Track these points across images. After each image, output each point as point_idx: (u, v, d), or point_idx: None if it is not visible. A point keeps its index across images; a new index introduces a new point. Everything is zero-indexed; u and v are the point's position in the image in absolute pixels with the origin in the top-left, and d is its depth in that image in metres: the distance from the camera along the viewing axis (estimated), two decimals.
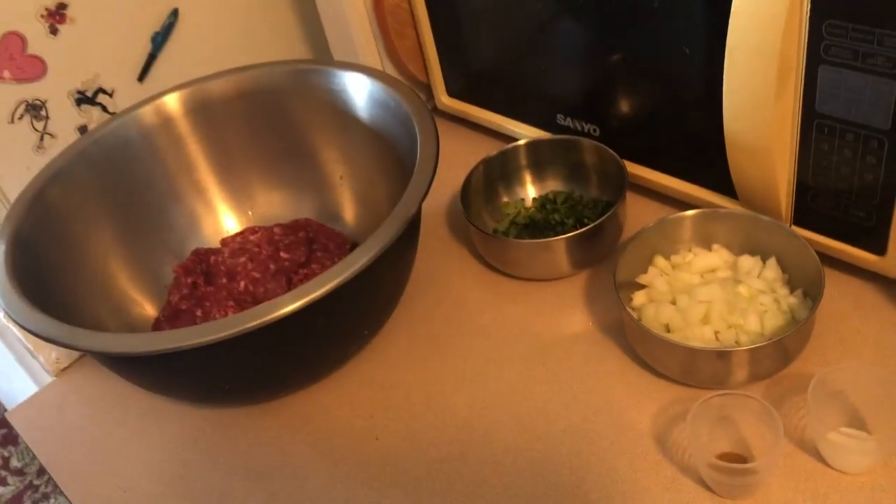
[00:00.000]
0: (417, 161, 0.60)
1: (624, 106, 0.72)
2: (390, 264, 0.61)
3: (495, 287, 0.71)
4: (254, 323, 0.51)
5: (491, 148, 0.77)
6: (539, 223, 0.73)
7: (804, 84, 0.56)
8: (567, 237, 0.66)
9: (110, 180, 0.69)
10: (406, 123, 0.65)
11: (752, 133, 0.59)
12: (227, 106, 0.72)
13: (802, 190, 0.61)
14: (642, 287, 0.65)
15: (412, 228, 0.63)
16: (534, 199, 0.77)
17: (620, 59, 0.70)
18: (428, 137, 0.62)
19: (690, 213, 0.65)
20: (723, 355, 0.56)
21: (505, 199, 0.77)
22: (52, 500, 1.14)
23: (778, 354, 0.56)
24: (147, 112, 0.70)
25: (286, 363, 0.59)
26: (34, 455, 1.15)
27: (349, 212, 0.76)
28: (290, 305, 0.51)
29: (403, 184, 0.60)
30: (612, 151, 0.71)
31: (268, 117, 0.73)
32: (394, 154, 0.68)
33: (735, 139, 0.61)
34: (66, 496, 0.78)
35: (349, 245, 0.74)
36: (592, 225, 0.66)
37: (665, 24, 0.63)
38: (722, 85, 0.59)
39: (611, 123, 0.74)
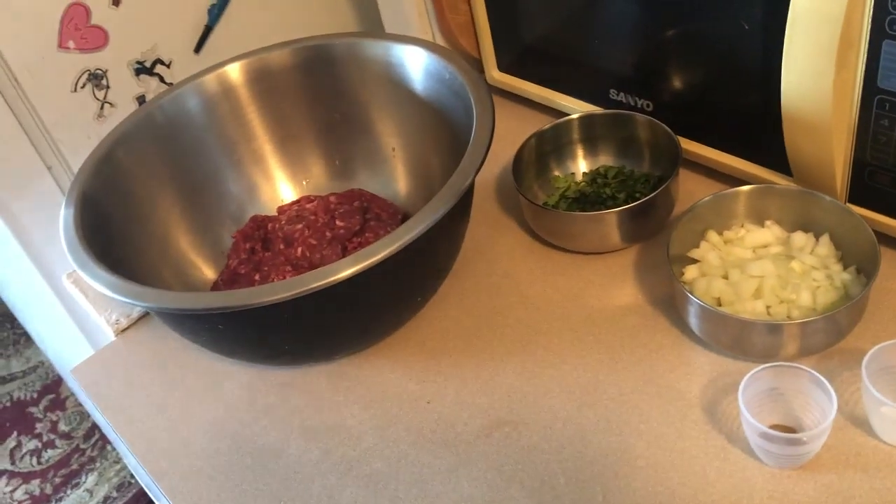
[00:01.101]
0: (473, 132, 0.61)
1: (678, 81, 0.72)
2: (444, 234, 0.62)
3: (545, 259, 0.72)
4: (315, 285, 0.52)
5: (541, 123, 0.77)
6: (590, 197, 0.74)
7: (866, 59, 0.55)
8: (619, 210, 0.67)
9: (173, 145, 0.71)
10: (461, 96, 0.66)
11: (810, 107, 0.59)
12: (285, 76, 0.73)
13: (859, 167, 0.61)
14: (694, 262, 0.65)
15: (466, 199, 0.64)
16: (584, 173, 0.77)
17: (675, 32, 0.70)
18: (484, 109, 0.63)
19: (745, 188, 0.65)
20: (774, 328, 0.56)
21: (556, 173, 0.78)
22: (98, 463, 1.19)
23: (830, 329, 0.56)
24: (209, 80, 0.72)
25: (342, 326, 0.61)
26: (81, 419, 1.19)
27: (402, 183, 0.78)
28: (348, 269, 0.53)
29: (456, 157, 0.61)
30: (665, 126, 0.71)
31: (324, 88, 0.74)
32: (447, 127, 0.69)
33: (792, 114, 0.61)
34: (120, 452, 0.80)
35: (401, 216, 0.75)
36: (644, 199, 0.66)
37: None
38: (780, 59, 0.58)
39: (664, 98, 0.74)
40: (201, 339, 0.62)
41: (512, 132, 0.83)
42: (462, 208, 0.65)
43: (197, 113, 0.72)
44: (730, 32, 0.64)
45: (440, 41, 0.88)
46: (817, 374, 0.52)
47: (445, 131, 0.69)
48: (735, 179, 0.72)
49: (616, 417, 0.59)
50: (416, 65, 0.71)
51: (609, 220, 0.68)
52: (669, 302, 0.65)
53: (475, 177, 0.59)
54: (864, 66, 0.56)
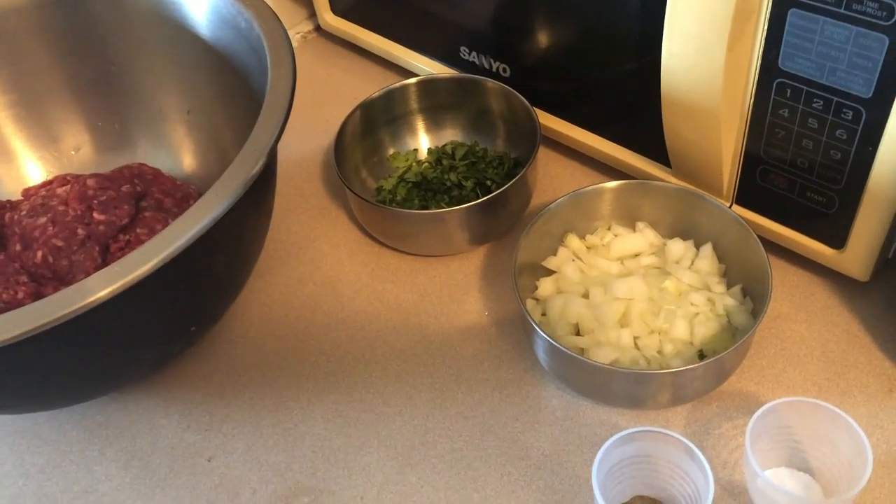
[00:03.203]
0: (265, 101, 0.45)
1: (542, 43, 0.58)
2: (233, 233, 0.46)
3: (374, 261, 0.58)
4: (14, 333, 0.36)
5: (383, 80, 0.62)
6: (432, 183, 0.60)
7: (767, 31, 0.43)
8: (463, 208, 0.53)
9: None
10: (259, 52, 0.50)
11: (695, 87, 0.47)
12: (19, 19, 0.54)
13: (751, 163, 0.50)
14: (550, 273, 0.53)
15: (262, 186, 0.48)
16: (429, 150, 0.63)
17: None
18: (281, 69, 0.47)
19: (612, 184, 0.52)
20: (641, 378, 0.45)
21: (392, 151, 0.63)
22: None
23: (710, 375, 0.45)
24: None
25: (83, 367, 0.45)
26: None
27: (190, 157, 0.61)
28: (64, 308, 0.37)
29: (255, 115, 0.45)
30: (522, 98, 0.57)
31: (77, 33, 0.56)
32: (245, 87, 0.53)
33: (672, 94, 0.48)
34: None
35: (193, 200, 0.59)
36: (495, 194, 0.53)
37: None
38: (661, 24, 0.45)
39: (524, 63, 0.60)
40: None
41: (349, 90, 0.68)
42: (256, 199, 0.49)
43: None
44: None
45: None
46: (691, 445, 0.40)
47: (241, 93, 0.53)
48: (603, 166, 0.59)
49: (444, 482, 0.46)
50: (201, 4, 0.54)
51: (451, 219, 0.54)
52: (519, 322, 0.53)
53: (270, 157, 0.44)
54: (763, 41, 0.43)
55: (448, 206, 0.58)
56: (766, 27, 0.43)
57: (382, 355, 0.52)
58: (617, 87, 0.55)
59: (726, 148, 0.49)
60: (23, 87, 0.58)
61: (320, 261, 0.58)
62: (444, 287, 0.56)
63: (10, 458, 0.50)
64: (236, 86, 0.54)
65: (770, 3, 0.42)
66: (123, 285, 0.37)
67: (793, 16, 0.41)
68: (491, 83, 0.59)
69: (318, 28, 0.75)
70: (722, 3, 0.42)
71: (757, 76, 0.45)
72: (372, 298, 0.56)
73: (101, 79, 0.58)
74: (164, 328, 0.46)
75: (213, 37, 0.54)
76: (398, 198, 0.60)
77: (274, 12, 0.51)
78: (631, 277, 0.50)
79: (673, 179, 0.54)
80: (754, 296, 0.49)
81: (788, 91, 0.44)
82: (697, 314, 0.48)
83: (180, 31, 0.55)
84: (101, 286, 0.37)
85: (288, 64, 0.47)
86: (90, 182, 0.55)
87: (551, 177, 0.61)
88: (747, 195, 0.52)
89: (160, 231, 0.53)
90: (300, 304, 0.56)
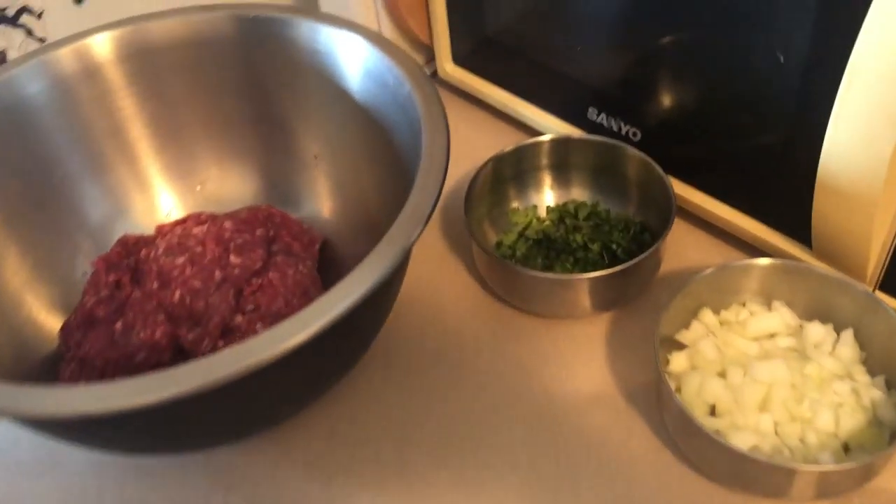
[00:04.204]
0: (419, 172, 0.45)
1: (677, 107, 0.58)
2: (376, 302, 0.46)
3: (496, 319, 0.58)
4: (150, 399, 0.36)
5: (502, 134, 0.62)
6: (556, 242, 0.59)
7: None
8: (594, 276, 0.52)
9: (7, 141, 0.52)
10: (406, 109, 0.50)
11: (855, 175, 0.46)
12: (175, 54, 0.56)
13: None
14: (681, 346, 0.52)
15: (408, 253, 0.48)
16: (549, 207, 0.63)
17: (681, 45, 0.55)
18: (436, 138, 0.47)
19: (762, 262, 0.51)
20: (787, 473, 0.43)
21: (515, 205, 0.63)
22: None
23: (857, 474, 0.44)
24: (65, 55, 0.53)
25: (215, 422, 0.45)
26: None
27: (324, 201, 0.61)
28: (225, 369, 0.37)
29: (395, 177, 0.47)
30: (660, 171, 0.57)
31: (227, 72, 0.57)
32: (386, 140, 0.53)
33: (830, 178, 0.47)
34: None
35: (318, 245, 0.59)
36: (629, 264, 0.52)
37: (754, 12, 0.48)
38: (822, 106, 0.45)
39: (657, 127, 0.59)
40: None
41: (464, 143, 0.68)
42: (402, 266, 0.50)
43: (45, 97, 0.53)
44: (757, 62, 0.50)
45: (384, 20, 0.71)
46: None
47: (383, 145, 0.54)
48: (729, 236, 0.58)
49: None
50: (353, 58, 0.54)
51: (579, 286, 0.53)
52: (648, 394, 0.52)
53: (423, 230, 0.44)
54: None
55: (573, 268, 0.58)
56: None
57: (507, 415, 0.52)
58: (756, 158, 0.54)
59: (878, 234, 0.48)
60: (170, 117, 0.59)
61: (441, 313, 0.58)
62: (569, 351, 0.55)
63: (136, 498, 0.50)
64: (378, 137, 0.54)
65: None
66: (296, 344, 0.38)
67: None
68: (632, 151, 0.58)
69: (434, 74, 0.75)
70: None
71: None
72: (494, 356, 0.55)
73: (242, 119, 0.59)
74: (307, 383, 0.47)
75: (359, 88, 0.55)
76: (518, 254, 0.60)
77: (425, 73, 0.51)
78: (773, 361, 0.49)
79: (810, 258, 0.53)
80: None
81: None
82: (842, 405, 0.47)
83: (328, 82, 0.55)
84: (227, 364, 0.37)
85: (443, 132, 0.47)
86: (227, 224, 0.55)
87: (676, 244, 0.60)
88: (894, 281, 0.50)
89: (291, 275, 0.55)
90: (423, 358, 0.56)
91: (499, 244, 0.61)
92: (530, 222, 0.62)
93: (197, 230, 0.56)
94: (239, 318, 0.52)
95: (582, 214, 0.61)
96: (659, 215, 0.58)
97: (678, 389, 0.50)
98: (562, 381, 0.54)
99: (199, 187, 0.62)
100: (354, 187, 0.59)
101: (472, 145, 0.64)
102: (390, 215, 0.43)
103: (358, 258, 0.41)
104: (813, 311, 0.52)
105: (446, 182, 0.65)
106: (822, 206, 0.49)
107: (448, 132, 0.48)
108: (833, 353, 0.50)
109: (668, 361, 0.51)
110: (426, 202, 0.44)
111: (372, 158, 0.56)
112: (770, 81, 0.50)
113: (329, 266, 0.59)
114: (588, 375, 0.54)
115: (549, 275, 0.55)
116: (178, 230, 0.56)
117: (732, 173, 0.57)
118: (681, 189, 0.59)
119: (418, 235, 0.43)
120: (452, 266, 0.61)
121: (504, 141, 0.61)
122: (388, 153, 0.53)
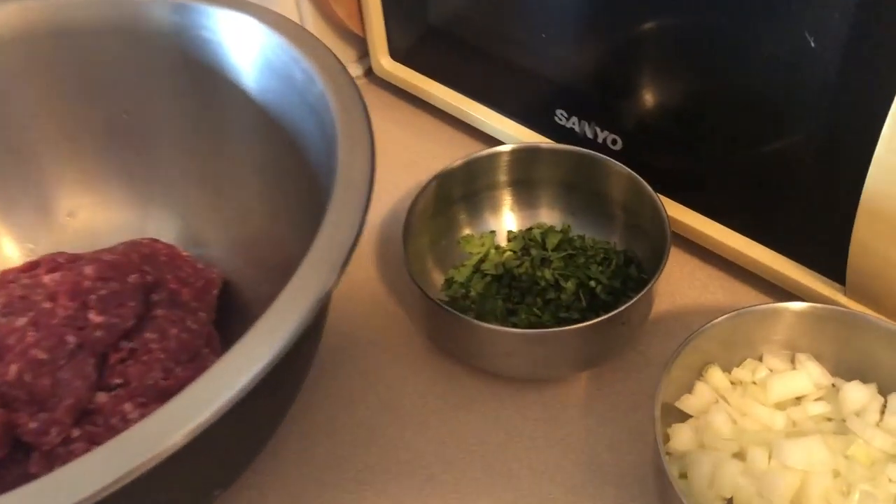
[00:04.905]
0: (332, 197, 0.33)
1: (667, 108, 0.46)
2: (286, 368, 0.34)
3: (445, 380, 0.45)
4: None
5: (450, 140, 0.50)
6: (520, 279, 0.47)
7: None
8: (571, 329, 0.40)
9: None
10: (318, 112, 0.38)
11: None
12: (12, 52, 0.42)
13: None
14: (684, 417, 0.40)
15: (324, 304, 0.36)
16: (510, 233, 0.51)
17: (674, 27, 0.43)
18: (356, 153, 0.35)
19: (794, 307, 0.39)
20: None
21: (467, 231, 0.51)
22: None
23: None
24: None
25: None
26: None
27: (222, 231, 0.48)
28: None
29: (309, 195, 0.37)
30: (648, 189, 0.45)
31: (83, 73, 0.44)
32: (295, 150, 0.41)
33: (879, 197, 0.36)
34: None
35: (217, 290, 0.46)
36: (617, 311, 0.40)
37: None
38: (867, 98, 0.33)
39: (641, 134, 0.48)
40: None
41: (405, 154, 0.56)
42: (322, 314, 0.37)
43: None
44: (780, 46, 0.38)
45: (305, 6, 0.58)
46: None
47: (291, 158, 0.42)
48: (735, 268, 0.47)
49: None
50: (249, 49, 0.42)
51: (553, 341, 0.41)
52: (643, 479, 0.40)
53: (340, 277, 0.32)
54: None
55: (541, 312, 0.45)
56: None
57: None
58: (773, 171, 0.43)
59: None
60: (11, 132, 0.46)
61: (377, 375, 0.46)
62: (539, 421, 0.43)
63: None
64: (281, 149, 0.42)
65: None
66: (178, 442, 0.26)
67: None
68: (611, 163, 0.46)
69: (369, 72, 0.62)
70: None
71: None
72: (441, 430, 0.43)
73: (108, 132, 0.46)
74: (190, 490, 0.34)
75: (257, 86, 0.42)
76: (473, 293, 0.47)
77: (343, 66, 0.39)
78: (807, 439, 0.37)
79: (843, 299, 0.42)
80: None
81: None
82: None
83: (218, 78, 0.43)
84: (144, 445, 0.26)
85: (365, 150, 0.35)
86: (87, 270, 0.42)
87: (667, 276, 0.49)
88: None
89: (174, 335, 0.42)
90: (351, 436, 0.43)
91: (449, 282, 0.48)
92: (487, 253, 0.50)
93: (48, 279, 0.42)
94: (101, 398, 0.40)
95: (551, 243, 0.49)
96: (647, 243, 0.46)
97: (682, 473, 0.38)
98: (529, 463, 0.41)
99: (67, 217, 0.49)
100: (259, 214, 0.46)
101: (414, 158, 0.52)
102: (305, 249, 0.32)
103: (267, 303, 0.30)
104: (849, 368, 0.40)
105: (383, 206, 0.54)
106: (864, 234, 0.38)
107: (372, 144, 0.36)
108: (881, 425, 0.39)
109: (667, 437, 0.39)
110: (342, 240, 0.32)
111: (280, 176, 0.44)
112: (796, 71, 0.38)
113: (230, 314, 0.46)
114: (564, 455, 0.42)
115: (512, 330, 0.42)
116: (26, 279, 0.43)
117: (740, 190, 0.45)
118: (674, 210, 0.47)
119: (335, 285, 0.31)
120: (390, 314, 0.49)
121: (454, 152, 0.49)
122: (298, 169, 0.41)
